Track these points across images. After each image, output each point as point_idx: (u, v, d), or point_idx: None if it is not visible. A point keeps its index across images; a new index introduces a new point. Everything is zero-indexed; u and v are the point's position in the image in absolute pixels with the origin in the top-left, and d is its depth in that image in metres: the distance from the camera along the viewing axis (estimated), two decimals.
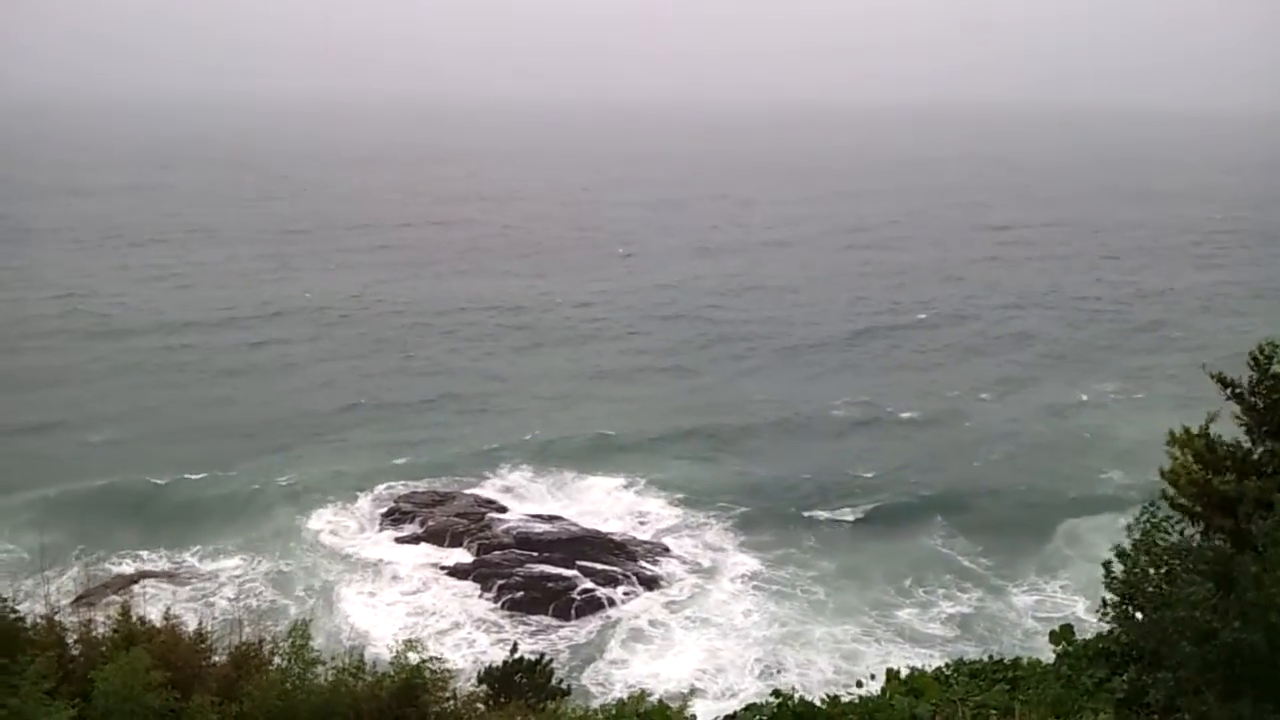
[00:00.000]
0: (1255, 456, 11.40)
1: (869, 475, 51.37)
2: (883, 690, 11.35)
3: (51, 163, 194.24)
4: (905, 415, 59.98)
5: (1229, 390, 11.74)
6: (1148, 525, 10.63)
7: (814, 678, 34.81)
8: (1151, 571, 10.00)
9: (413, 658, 12.63)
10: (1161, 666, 9.16)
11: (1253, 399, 11.57)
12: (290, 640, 12.67)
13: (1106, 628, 10.69)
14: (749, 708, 12.98)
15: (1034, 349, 74.53)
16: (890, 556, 43.54)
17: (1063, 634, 10.79)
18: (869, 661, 35.29)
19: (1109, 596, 10.29)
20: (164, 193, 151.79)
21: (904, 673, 11.57)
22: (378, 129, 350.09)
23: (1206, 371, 12.40)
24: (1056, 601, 40.10)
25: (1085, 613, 37.36)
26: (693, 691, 32.85)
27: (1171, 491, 11.20)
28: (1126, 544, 10.48)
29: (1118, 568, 10.42)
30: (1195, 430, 11.75)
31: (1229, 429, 11.87)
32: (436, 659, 12.97)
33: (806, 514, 46.96)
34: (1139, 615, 10.11)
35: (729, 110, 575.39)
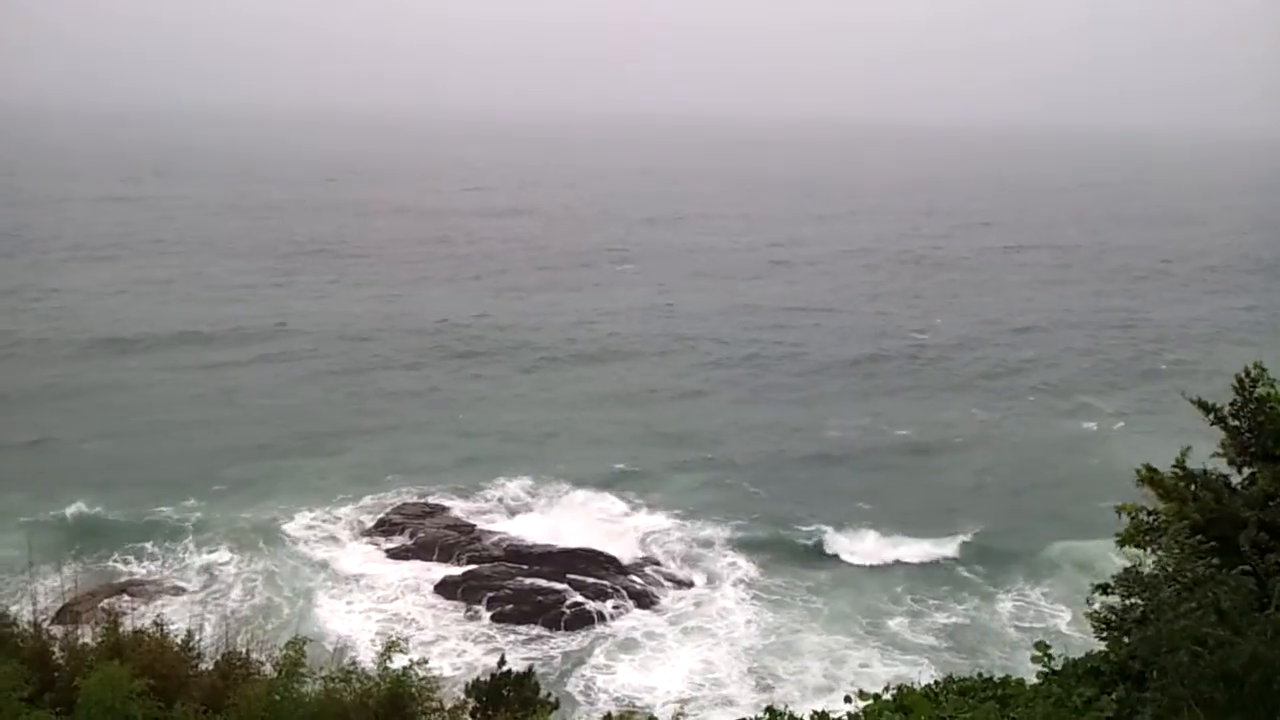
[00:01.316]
0: (1235, 482, 11.41)
1: (867, 492, 51.30)
2: (872, 708, 11.28)
3: (39, 170, 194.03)
4: (905, 436, 59.65)
5: (1211, 415, 11.74)
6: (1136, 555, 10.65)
7: (808, 682, 35.39)
8: (1137, 600, 9.99)
9: (398, 660, 12.58)
10: (1153, 685, 9.13)
11: (1236, 424, 11.55)
12: (285, 654, 12.60)
13: (1095, 645, 10.66)
14: None
15: (1039, 373, 73.80)
16: (884, 571, 43.70)
17: (1040, 649, 10.74)
18: (860, 670, 35.90)
19: (1098, 611, 10.26)
20: (164, 203, 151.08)
21: (893, 689, 11.50)
22: (377, 139, 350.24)
23: (1186, 397, 12.40)
24: (1040, 610, 40.77)
25: (1067, 627, 38.15)
26: (684, 705, 32.79)
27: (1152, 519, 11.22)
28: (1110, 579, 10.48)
29: (1099, 600, 10.41)
30: (1170, 467, 11.79)
31: (1200, 457, 11.90)
32: (421, 662, 12.91)
33: (804, 529, 46.81)
34: (1125, 639, 10.10)
35: (730, 125, 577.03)
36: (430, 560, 43.25)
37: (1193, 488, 11.47)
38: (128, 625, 13.24)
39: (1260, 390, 11.42)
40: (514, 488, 50.04)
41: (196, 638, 13.38)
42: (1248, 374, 11.51)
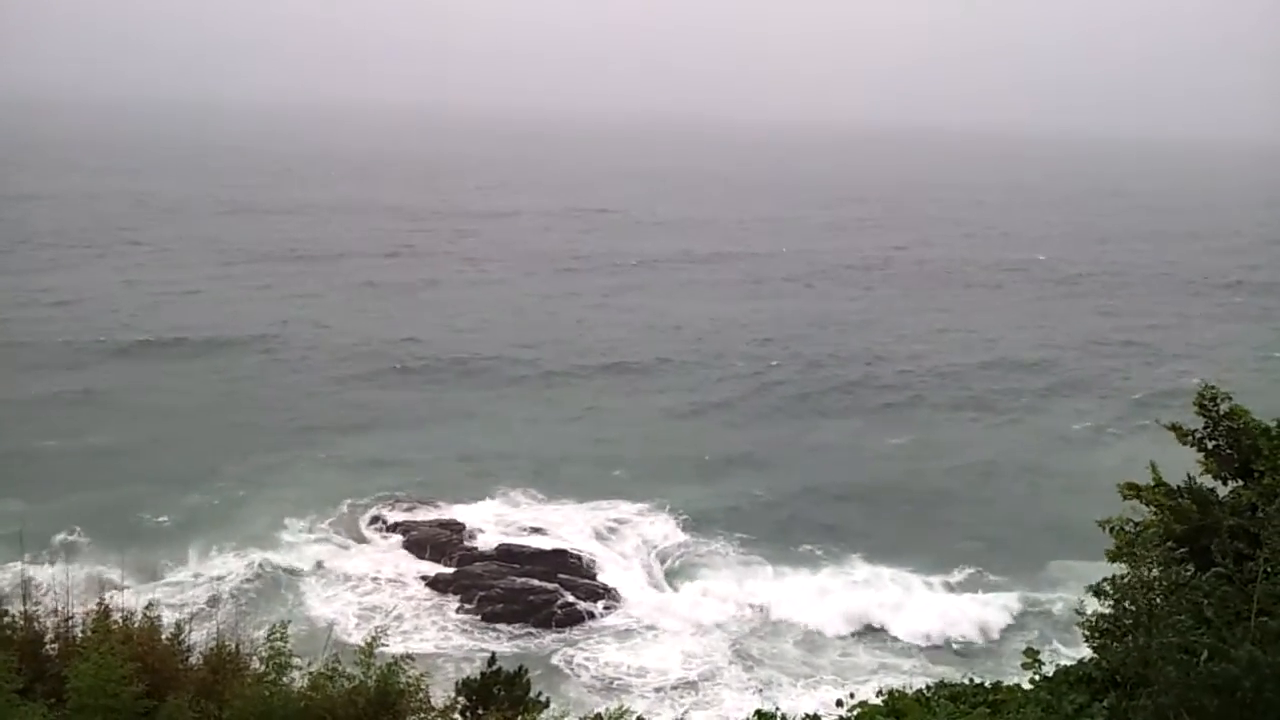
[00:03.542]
0: (1222, 495, 11.69)
1: (863, 504, 51.46)
2: (863, 712, 11.31)
3: (45, 163, 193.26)
4: (909, 450, 59.44)
5: (1188, 438, 12.11)
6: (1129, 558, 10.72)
7: (796, 672, 36.77)
8: (1129, 605, 10.05)
9: (382, 655, 12.54)
10: (1143, 693, 9.16)
11: (1212, 443, 11.84)
12: (269, 642, 12.56)
13: (1086, 652, 10.71)
14: None
15: (1045, 388, 73.11)
16: (882, 573, 44.07)
17: (1030, 655, 10.81)
18: (844, 659, 37.46)
19: (1092, 618, 10.31)
20: (163, 199, 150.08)
21: (884, 693, 11.53)
22: (378, 137, 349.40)
23: (1160, 424, 12.77)
24: (1033, 611, 41.44)
25: (1058, 608, 39.15)
26: (685, 715, 33.03)
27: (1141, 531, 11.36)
28: (1106, 583, 10.54)
29: (1092, 604, 10.47)
30: (1151, 481, 12.05)
31: (1176, 472, 12.15)
32: (409, 659, 12.88)
33: (802, 542, 46.84)
34: (1117, 645, 10.14)
35: (731, 127, 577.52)
36: (423, 559, 43.27)
37: (1180, 500, 11.69)
38: (118, 617, 13.20)
39: (1223, 407, 11.83)
40: (509, 491, 50.00)
41: (187, 629, 13.35)
42: (1204, 395, 11.93)
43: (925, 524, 49.74)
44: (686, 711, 31.74)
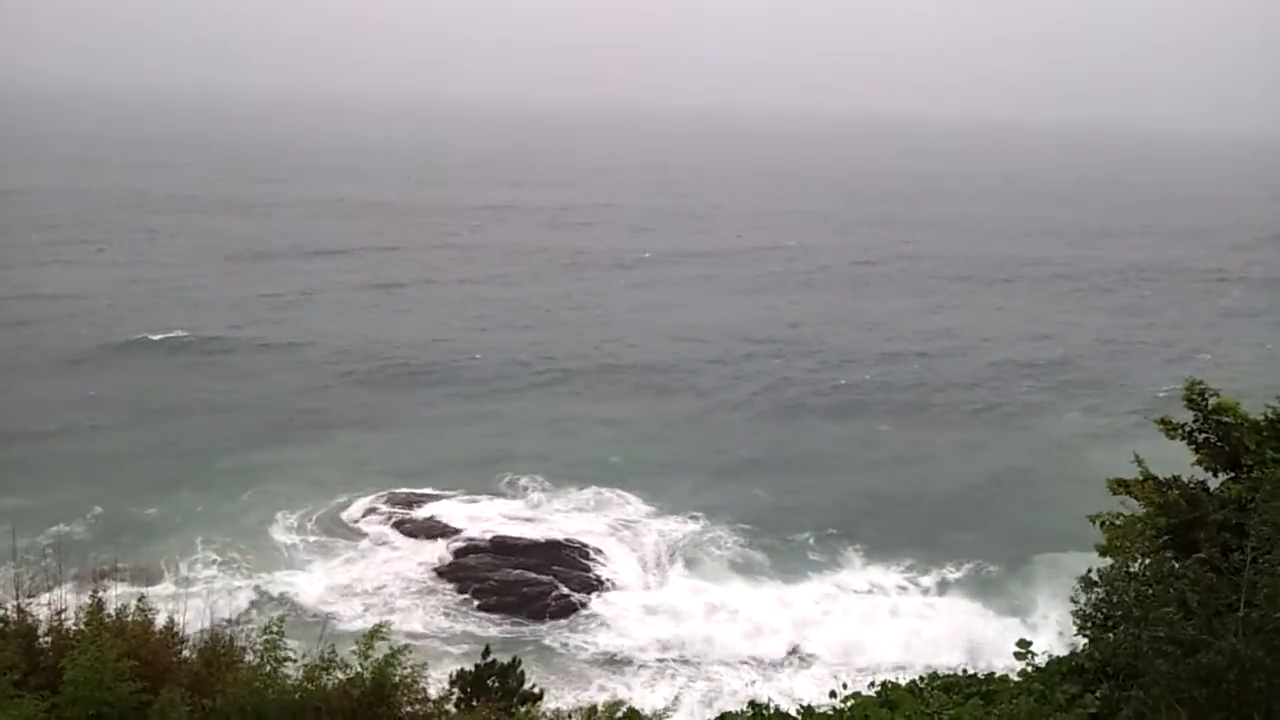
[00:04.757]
0: (1213, 488, 11.80)
1: (866, 501, 51.58)
2: (857, 703, 11.33)
3: (49, 157, 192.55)
4: (907, 453, 59.21)
5: (1178, 432, 12.26)
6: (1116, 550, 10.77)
7: (790, 651, 38.07)
8: (1120, 598, 10.09)
9: (380, 647, 12.55)
10: (1135, 684, 9.19)
11: (1202, 436, 11.91)
12: (264, 636, 12.58)
13: (1079, 642, 10.74)
14: (723, 717, 13.00)
15: (1045, 386, 72.91)
16: (875, 572, 44.32)
17: (1021, 646, 10.84)
18: (841, 649, 38.32)
19: (1083, 610, 10.34)
20: (159, 194, 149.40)
21: (878, 684, 11.56)
22: (376, 129, 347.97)
23: (1150, 419, 12.97)
24: (1033, 593, 42.33)
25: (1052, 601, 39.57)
26: (676, 699, 33.12)
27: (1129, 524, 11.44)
28: (1094, 574, 10.59)
29: (1083, 597, 10.51)
30: (1137, 476, 12.18)
31: (1171, 467, 12.28)
32: (404, 650, 12.91)
33: (801, 540, 46.93)
34: (1110, 635, 10.18)
35: (734, 119, 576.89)
36: (417, 552, 43.31)
37: (1168, 494, 11.78)
38: (111, 610, 13.21)
39: (1212, 402, 12.00)
40: (506, 487, 50.04)
41: (180, 622, 13.36)
42: (1193, 390, 12.10)
43: (927, 522, 49.67)
44: (677, 697, 31.82)
